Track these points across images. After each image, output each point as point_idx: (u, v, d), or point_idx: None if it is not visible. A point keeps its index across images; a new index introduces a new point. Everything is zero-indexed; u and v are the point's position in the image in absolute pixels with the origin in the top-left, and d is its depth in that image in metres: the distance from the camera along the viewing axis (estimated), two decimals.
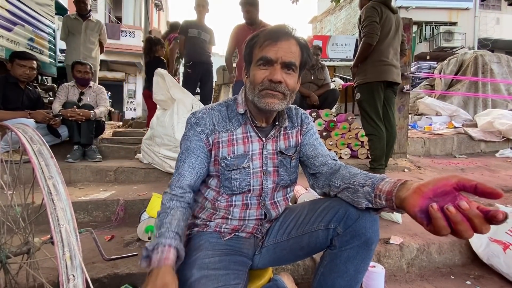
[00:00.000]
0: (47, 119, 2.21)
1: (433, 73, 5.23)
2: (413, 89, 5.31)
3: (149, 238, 1.37)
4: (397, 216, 1.70)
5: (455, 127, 4.01)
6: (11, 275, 0.66)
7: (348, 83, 3.84)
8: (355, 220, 0.69)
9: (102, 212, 1.68)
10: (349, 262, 0.70)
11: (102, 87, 2.81)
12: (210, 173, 0.84)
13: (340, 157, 2.84)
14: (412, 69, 5.74)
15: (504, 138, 3.66)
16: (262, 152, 0.83)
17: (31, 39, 3.08)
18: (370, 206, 0.65)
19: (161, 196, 1.45)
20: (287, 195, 0.91)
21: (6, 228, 0.68)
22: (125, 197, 1.74)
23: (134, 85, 13.51)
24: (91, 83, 2.72)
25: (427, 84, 5.12)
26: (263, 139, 0.84)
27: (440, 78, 4.93)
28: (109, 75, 12.33)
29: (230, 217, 0.83)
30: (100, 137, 2.84)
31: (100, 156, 2.44)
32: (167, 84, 2.17)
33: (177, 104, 2.12)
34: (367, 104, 2.29)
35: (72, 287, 0.47)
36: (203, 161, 0.81)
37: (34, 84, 2.79)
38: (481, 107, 4.47)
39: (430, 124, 4.13)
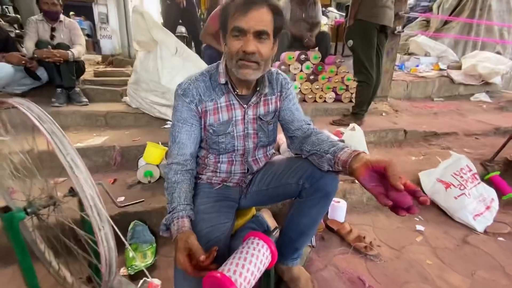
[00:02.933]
0: (23, 62, 2.09)
1: (431, 6, 4.92)
2: (406, 30, 5.08)
3: (149, 182, 1.56)
4: None
5: (440, 69, 4.06)
6: (45, 222, 0.82)
7: (342, 20, 3.62)
8: (318, 179, 0.86)
9: (101, 157, 1.81)
10: (312, 207, 0.90)
11: (74, 21, 2.57)
12: (201, 136, 0.96)
13: (325, 101, 2.94)
14: (411, 1, 5.36)
15: (483, 82, 3.79)
16: (244, 118, 0.94)
17: None
18: (331, 169, 0.80)
19: (156, 145, 1.58)
20: (267, 152, 1.06)
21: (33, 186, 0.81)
22: (120, 143, 1.85)
23: (105, 7, 11.84)
24: (61, 17, 2.47)
25: (424, 20, 4.88)
26: (245, 106, 0.93)
27: (438, 12, 4.68)
28: None
29: (218, 171, 0.99)
30: (81, 78, 2.75)
31: (86, 100, 2.43)
32: (147, 24, 2.02)
33: (160, 47, 2.03)
34: (360, 51, 2.26)
35: (103, 235, 0.64)
36: (197, 128, 0.92)
37: None
38: (470, 48, 4.43)
39: (417, 66, 4.15)
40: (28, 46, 2.27)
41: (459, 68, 3.98)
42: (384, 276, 1.15)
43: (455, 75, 3.77)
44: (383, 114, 2.94)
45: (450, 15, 4.57)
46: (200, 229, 0.81)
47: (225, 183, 1.01)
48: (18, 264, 0.82)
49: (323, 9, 5.93)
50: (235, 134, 0.94)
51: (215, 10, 2.71)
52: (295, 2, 2.95)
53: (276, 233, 0.84)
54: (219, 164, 0.98)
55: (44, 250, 1.00)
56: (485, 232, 1.48)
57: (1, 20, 2.33)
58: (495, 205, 1.63)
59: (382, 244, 1.36)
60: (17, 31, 3.33)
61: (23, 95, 2.36)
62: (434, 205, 1.70)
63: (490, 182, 1.87)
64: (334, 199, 1.53)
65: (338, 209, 1.50)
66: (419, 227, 1.51)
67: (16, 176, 0.89)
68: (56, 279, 0.96)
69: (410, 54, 4.50)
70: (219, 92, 0.91)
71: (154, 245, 1.25)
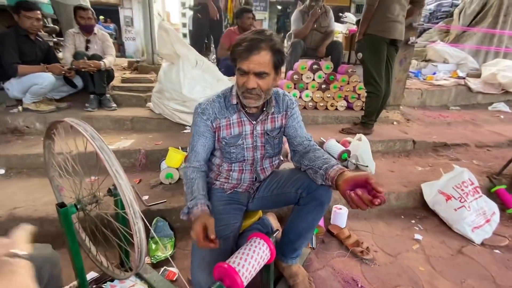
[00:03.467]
0: (63, 72, 2.37)
1: (453, 12, 4.82)
2: (424, 37, 5.02)
3: (170, 183, 1.76)
4: (371, 169, 2.04)
5: (458, 77, 4.01)
6: (90, 216, 1.02)
7: (355, 29, 3.68)
8: (314, 189, 1.00)
9: (127, 159, 2.04)
10: (308, 214, 1.04)
11: (106, 33, 2.84)
12: (215, 147, 1.13)
13: (336, 109, 3.03)
14: (431, 6, 5.27)
15: (503, 91, 3.71)
16: (253, 132, 1.10)
17: None
18: (323, 183, 0.95)
19: (176, 151, 1.77)
20: (273, 163, 1.21)
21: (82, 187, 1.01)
22: (144, 147, 2.07)
23: (131, 11, 12.45)
24: (95, 29, 2.74)
25: (443, 27, 4.79)
26: (253, 122, 1.09)
27: (459, 18, 4.60)
28: None
29: (230, 178, 1.16)
30: (111, 84, 3.02)
31: (115, 105, 2.68)
32: (171, 39, 2.23)
33: (182, 60, 2.23)
34: (370, 63, 2.35)
35: (137, 229, 0.81)
36: (211, 140, 1.10)
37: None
38: (492, 56, 4.31)
39: (434, 73, 4.11)
40: (67, 57, 2.56)
41: (479, 76, 3.90)
42: (377, 279, 1.27)
43: (473, 83, 3.71)
44: (394, 123, 2.99)
45: (472, 21, 4.47)
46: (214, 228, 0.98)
47: (235, 189, 1.18)
48: (68, 248, 1.02)
49: (340, 14, 5.96)
50: (244, 146, 1.11)
51: (226, 31, 3.02)
52: (306, 12, 3.07)
53: (277, 234, 1.00)
54: (231, 172, 1.14)
55: (85, 239, 1.20)
56: (482, 244, 1.54)
57: (41, 31, 2.61)
58: (496, 218, 1.68)
59: (379, 249, 1.47)
60: (55, 39, 3.68)
61: (61, 100, 2.66)
62: (435, 215, 1.77)
63: (495, 195, 1.91)
64: (336, 206, 1.66)
65: (339, 215, 1.62)
66: (418, 236, 1.59)
67: (65, 177, 1.10)
68: (94, 262, 1.16)
69: (428, 61, 4.46)
70: (232, 111, 1.08)
71: (173, 239, 1.43)
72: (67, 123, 0.92)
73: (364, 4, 2.29)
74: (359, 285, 1.22)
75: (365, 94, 2.65)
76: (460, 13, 4.57)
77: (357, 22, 2.46)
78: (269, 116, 1.12)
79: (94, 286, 1.13)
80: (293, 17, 3.19)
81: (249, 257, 0.85)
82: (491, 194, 1.93)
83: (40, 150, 1.99)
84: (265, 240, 0.92)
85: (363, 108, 2.98)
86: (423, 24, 2.78)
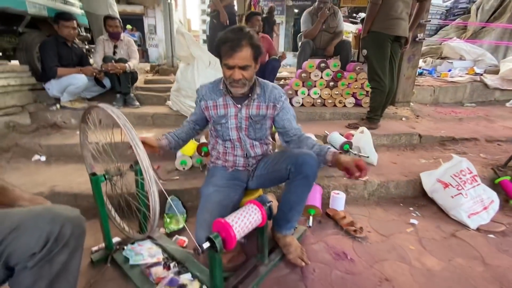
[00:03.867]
0: (94, 73, 2.69)
1: (469, 8, 4.72)
2: (427, 37, 4.93)
3: (183, 169, 1.97)
4: (373, 160, 2.12)
5: (475, 73, 3.93)
6: (115, 186, 1.23)
7: None
8: (300, 164, 1.14)
9: None
10: (297, 187, 1.18)
11: (131, 39, 3.15)
12: (210, 127, 1.37)
13: (344, 106, 3.12)
14: (448, 3, 5.18)
15: None
16: (237, 114, 1.29)
17: None
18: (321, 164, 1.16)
19: (190, 141, 1.96)
20: (261, 141, 1.38)
21: (109, 162, 1.23)
22: None
23: (154, 20, 13.18)
24: (122, 36, 3.06)
25: (460, 24, 4.70)
26: (238, 106, 1.28)
27: (476, 15, 4.50)
28: (128, 9, 12.05)
29: (227, 156, 1.36)
30: (135, 85, 3.33)
31: (138, 103, 2.97)
32: (187, 42, 2.47)
33: (197, 61, 2.46)
34: (374, 60, 2.45)
35: (152, 192, 1.00)
36: (198, 110, 1.36)
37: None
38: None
39: (449, 70, 4.06)
40: (97, 61, 2.89)
41: (497, 72, 3.81)
42: (366, 253, 1.37)
43: (490, 79, 3.64)
44: (403, 119, 3.02)
45: (490, 16, 4.36)
46: (215, 198, 1.17)
47: (235, 167, 1.36)
48: (98, 212, 1.24)
49: (354, 14, 6.01)
50: (229, 126, 1.30)
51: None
52: (315, 14, 3.20)
53: (270, 204, 1.15)
54: (226, 150, 1.36)
55: (111, 209, 1.43)
56: (478, 229, 1.59)
57: (76, 39, 2.96)
58: (495, 206, 1.71)
59: (373, 230, 1.57)
60: (87, 46, 4.09)
61: (92, 99, 2.99)
62: (433, 203, 1.83)
63: (500, 187, 1.93)
64: (334, 191, 1.78)
65: (337, 199, 1.74)
66: (413, 220, 1.67)
67: (97, 155, 1.32)
68: (118, 228, 1.38)
69: (443, 58, 4.40)
70: (219, 94, 1.29)
71: (185, 215, 1.63)
72: (100, 108, 1.14)
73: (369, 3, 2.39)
74: (349, 257, 1.33)
75: (370, 90, 2.75)
76: (477, 9, 4.47)
77: (362, 21, 2.56)
78: (255, 103, 1.29)
79: (118, 246, 1.34)
80: (302, 18, 3.34)
81: (242, 217, 1.02)
82: (495, 185, 1.95)
83: (74, 141, 2.29)
84: (257, 206, 1.08)
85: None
86: (429, 21, 2.81)
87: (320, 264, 1.29)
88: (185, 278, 1.17)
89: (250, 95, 1.28)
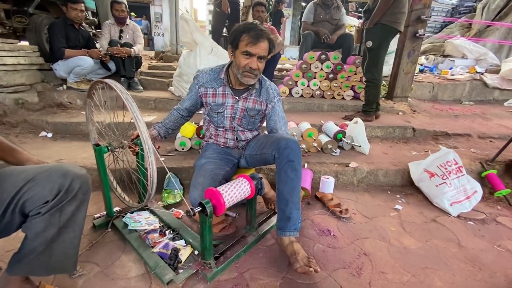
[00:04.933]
0: (100, 56, 2.78)
1: (475, 7, 4.70)
2: (431, 34, 4.91)
3: (182, 149, 2.06)
4: (365, 149, 2.20)
5: (476, 72, 3.96)
6: (117, 157, 1.33)
7: None
8: (283, 150, 1.20)
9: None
10: (286, 174, 1.19)
11: (137, 25, 3.22)
12: (205, 111, 1.43)
13: (343, 98, 3.19)
14: (454, 1, 5.15)
15: None
16: (234, 105, 1.36)
17: None
18: None
19: (190, 123, 2.06)
20: (252, 128, 1.46)
21: (112, 136, 1.32)
22: None
23: (161, 8, 13.13)
24: (128, 21, 3.13)
25: (465, 22, 4.69)
26: (236, 97, 1.35)
27: (482, 13, 4.48)
28: None
29: (218, 138, 1.46)
30: (139, 70, 3.41)
31: (141, 88, 3.06)
32: (190, 28, 2.53)
33: (199, 47, 2.53)
34: (377, 52, 2.45)
35: (151, 161, 1.08)
36: (194, 96, 1.41)
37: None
38: None
39: (450, 68, 4.08)
40: (103, 44, 2.96)
41: (498, 72, 3.83)
42: (349, 232, 1.47)
43: (490, 79, 3.66)
44: (400, 113, 3.08)
45: (496, 16, 4.35)
46: (207, 166, 1.28)
47: (226, 145, 1.47)
48: (100, 181, 1.34)
49: (361, 9, 5.99)
50: (224, 114, 1.38)
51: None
52: (319, 5, 3.23)
53: (259, 179, 1.24)
54: (218, 133, 1.45)
55: (113, 180, 1.53)
56: (458, 216, 1.67)
57: (83, 22, 3.04)
58: (477, 196, 1.78)
59: (358, 213, 1.66)
60: (93, 31, 4.16)
61: None
62: (420, 193, 1.91)
63: (486, 180, 2.00)
64: (324, 176, 1.87)
65: (326, 183, 1.82)
66: (398, 206, 1.75)
67: (101, 129, 1.41)
68: (119, 198, 1.48)
69: (446, 56, 4.41)
70: (219, 83, 1.35)
71: (182, 191, 1.73)
72: (105, 83, 1.22)
73: None
74: (332, 234, 1.43)
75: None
76: (483, 8, 4.45)
77: (365, 12, 2.56)
78: (252, 97, 1.37)
79: (118, 215, 1.44)
80: (306, 8, 3.37)
81: (232, 187, 1.11)
82: (482, 179, 2.03)
83: (79, 120, 2.39)
84: (247, 179, 1.17)
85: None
86: (430, 17, 2.84)
87: (304, 238, 1.38)
88: (179, 243, 1.27)
89: (249, 88, 1.35)
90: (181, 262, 1.16)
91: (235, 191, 1.12)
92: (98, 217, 1.45)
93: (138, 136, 1.29)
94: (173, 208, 1.58)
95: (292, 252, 1.17)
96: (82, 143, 2.17)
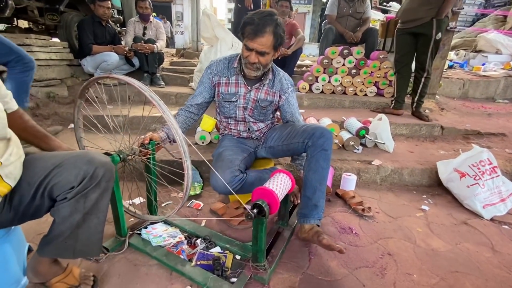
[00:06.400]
0: (125, 52, 2.87)
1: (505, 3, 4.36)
2: (462, 28, 4.61)
3: (202, 143, 2.08)
4: (389, 147, 2.11)
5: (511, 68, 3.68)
6: (129, 164, 1.23)
7: (392, 16, 3.61)
8: (318, 138, 1.19)
9: None
10: (317, 162, 1.19)
11: (160, 22, 3.29)
12: (216, 102, 1.43)
13: (365, 95, 3.08)
14: None
15: None
16: (246, 95, 1.35)
17: None
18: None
19: (209, 118, 2.08)
20: (264, 119, 1.45)
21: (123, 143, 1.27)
22: None
23: (182, 7, 13.39)
24: (151, 18, 3.20)
25: (499, 15, 4.37)
26: (249, 87, 1.34)
27: None
28: None
29: (232, 130, 1.46)
30: (161, 66, 3.48)
31: (163, 83, 3.13)
32: (212, 23, 2.55)
33: (220, 42, 2.54)
34: (439, 44, 2.43)
35: (188, 165, 1.04)
36: (208, 89, 1.38)
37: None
38: None
39: (483, 64, 3.83)
40: (128, 41, 3.06)
41: None
42: (372, 231, 1.41)
43: None
44: (426, 110, 2.93)
45: None
46: (225, 153, 1.29)
47: (240, 136, 1.48)
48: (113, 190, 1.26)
49: (385, 3, 5.77)
50: (237, 104, 1.37)
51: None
52: None
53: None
54: (229, 125, 1.46)
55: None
56: (492, 220, 1.56)
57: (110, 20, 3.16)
58: None
59: (381, 212, 1.59)
60: (118, 29, 4.31)
61: None
62: (448, 193, 1.81)
63: None
64: (346, 173, 1.81)
65: (348, 181, 1.77)
66: (425, 207, 1.67)
67: (107, 132, 1.31)
68: (127, 212, 1.51)
69: (478, 51, 4.14)
70: (233, 72, 1.35)
71: (201, 184, 1.75)
72: (121, 79, 1.20)
73: None
74: (354, 232, 1.38)
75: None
76: None
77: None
78: (265, 88, 1.35)
79: (132, 232, 1.27)
80: (329, 1, 3.28)
81: (279, 183, 1.09)
82: None
83: (105, 113, 2.47)
84: (286, 174, 1.15)
85: (394, 94, 2.99)
86: (462, 8, 2.67)
87: None
88: (215, 251, 1.17)
89: (262, 79, 1.34)
90: (227, 271, 1.08)
91: (282, 186, 1.09)
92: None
93: (150, 140, 1.22)
94: (192, 200, 1.60)
95: (316, 232, 1.16)
96: (107, 135, 2.24)
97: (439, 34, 2.32)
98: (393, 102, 2.69)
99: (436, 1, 2.23)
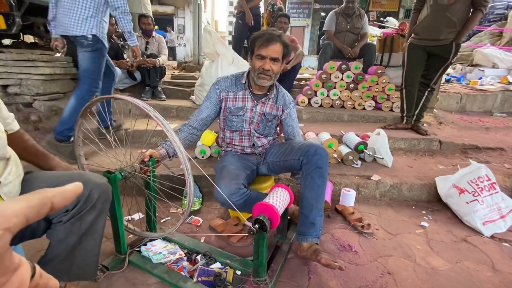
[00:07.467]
0: (127, 66, 2.92)
1: (507, 14, 4.47)
2: (473, 40, 4.71)
3: (202, 157, 2.10)
4: (388, 162, 2.13)
5: (509, 82, 3.74)
6: (130, 182, 1.24)
7: (391, 31, 3.70)
8: (312, 156, 1.21)
9: None
10: (313, 179, 1.21)
11: (162, 37, 3.37)
12: (221, 117, 1.45)
13: (364, 108, 3.12)
14: None
15: None
16: (252, 109, 1.39)
17: None
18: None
19: (210, 132, 2.10)
20: (267, 134, 1.47)
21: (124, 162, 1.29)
22: None
23: (183, 20, 13.71)
24: (153, 33, 3.29)
25: (495, 30, 4.47)
26: (255, 101, 1.39)
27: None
28: (160, 9, 12.65)
29: (235, 146, 1.47)
30: (162, 79, 3.54)
31: (164, 96, 3.17)
32: (213, 40, 2.61)
33: (221, 58, 2.59)
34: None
35: (190, 182, 1.06)
36: (214, 104, 1.42)
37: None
38: None
39: (480, 78, 3.89)
40: (130, 55, 3.11)
41: None
42: (371, 248, 1.41)
43: None
44: (424, 124, 2.95)
45: None
46: (230, 167, 1.30)
47: (243, 152, 1.49)
48: (112, 213, 1.21)
49: (382, 18, 5.92)
50: (244, 118, 1.41)
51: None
52: (340, 14, 3.23)
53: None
54: (233, 141, 1.47)
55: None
56: (492, 237, 1.56)
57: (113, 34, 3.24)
58: None
59: (381, 228, 1.59)
60: (121, 43, 4.40)
61: (124, 90, 3.23)
62: (448, 209, 1.81)
63: None
64: (345, 188, 1.82)
65: (347, 196, 1.77)
66: (424, 223, 1.66)
67: (110, 148, 1.33)
68: (128, 230, 1.52)
69: (474, 65, 4.22)
70: (240, 88, 1.40)
71: (201, 199, 1.75)
72: (127, 100, 1.24)
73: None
74: (353, 250, 1.38)
75: (396, 94, 2.79)
76: None
77: (410, 17, 2.48)
78: (270, 102, 1.41)
79: (131, 250, 1.26)
80: (327, 17, 3.36)
81: (278, 198, 1.10)
82: None
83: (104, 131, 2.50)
84: (284, 188, 1.17)
85: (393, 108, 3.03)
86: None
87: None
88: (215, 267, 1.18)
89: (267, 93, 1.40)
90: (229, 286, 1.08)
91: (281, 201, 1.11)
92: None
93: (150, 157, 1.22)
94: (192, 216, 1.60)
95: (314, 250, 1.16)
96: (108, 152, 2.26)
97: (455, 58, 2.37)
98: (405, 118, 2.66)
99: (460, 25, 2.22)
